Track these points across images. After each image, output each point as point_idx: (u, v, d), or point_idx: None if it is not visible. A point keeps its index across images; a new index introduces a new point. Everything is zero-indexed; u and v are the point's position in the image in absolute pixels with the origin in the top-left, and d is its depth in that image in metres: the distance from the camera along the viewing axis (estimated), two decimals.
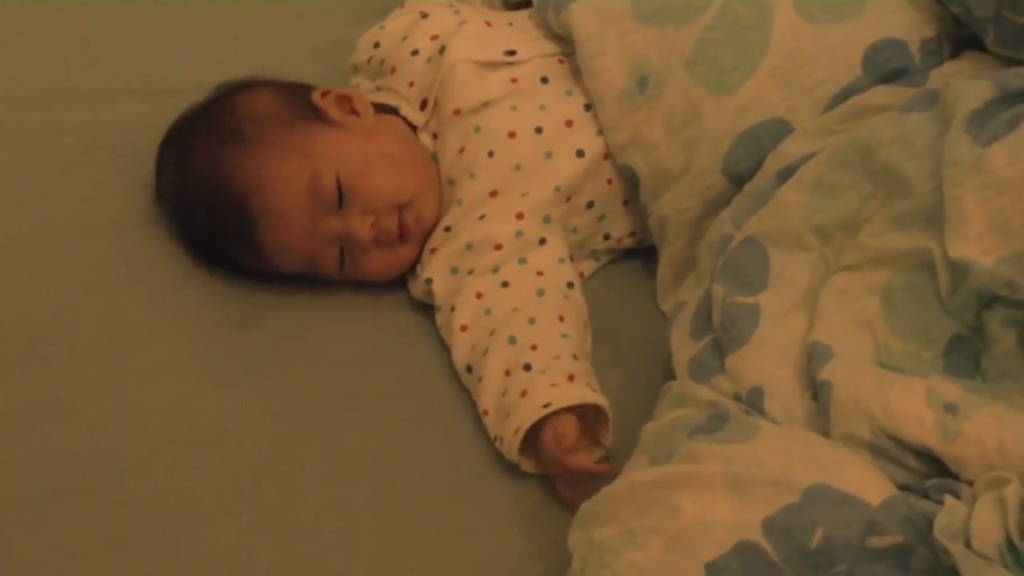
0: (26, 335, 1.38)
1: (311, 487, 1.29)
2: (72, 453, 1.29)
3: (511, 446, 1.29)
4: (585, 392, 1.29)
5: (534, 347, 1.33)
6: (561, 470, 1.28)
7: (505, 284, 1.39)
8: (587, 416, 1.30)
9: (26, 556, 1.22)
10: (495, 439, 1.32)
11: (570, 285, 1.41)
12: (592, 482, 1.22)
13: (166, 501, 1.27)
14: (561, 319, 1.36)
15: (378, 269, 1.45)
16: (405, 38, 1.51)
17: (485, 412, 1.33)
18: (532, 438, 1.29)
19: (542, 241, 1.42)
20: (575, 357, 1.33)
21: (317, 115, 1.45)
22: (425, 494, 1.30)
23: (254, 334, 1.42)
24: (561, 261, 1.42)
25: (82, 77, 1.66)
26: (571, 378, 1.30)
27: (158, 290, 1.45)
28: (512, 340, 1.34)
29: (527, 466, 1.31)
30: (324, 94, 1.48)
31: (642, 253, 1.50)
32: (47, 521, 1.24)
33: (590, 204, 1.45)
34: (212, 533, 1.25)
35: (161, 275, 1.46)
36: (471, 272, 1.41)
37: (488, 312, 1.38)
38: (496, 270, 1.40)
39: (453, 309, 1.40)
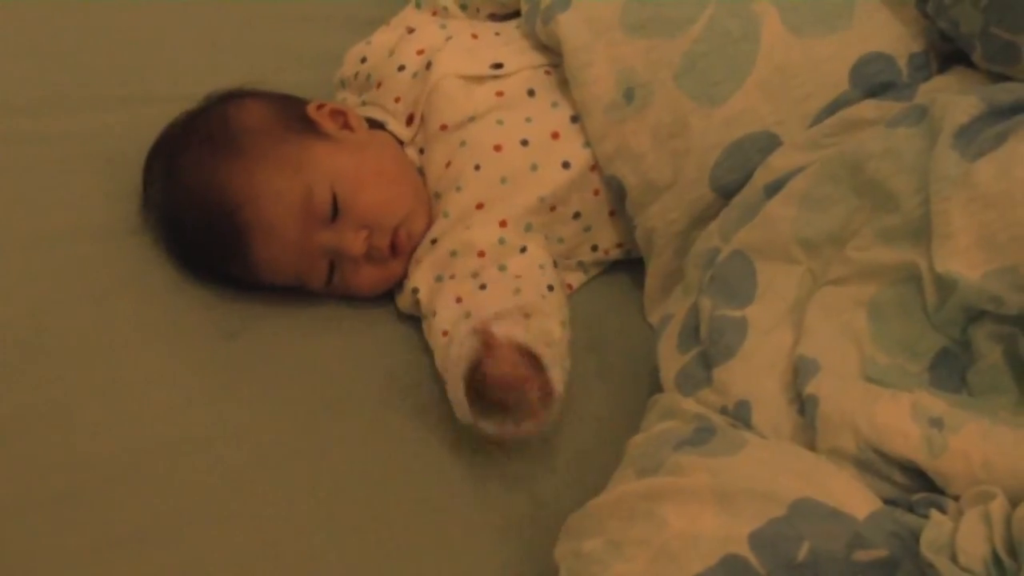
0: (14, 341, 1.37)
1: (298, 496, 1.29)
2: (60, 460, 1.29)
3: (458, 398, 1.26)
4: (519, 332, 1.26)
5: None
6: (499, 387, 1.24)
7: (483, 287, 1.38)
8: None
9: (18, 560, 1.22)
10: (454, 406, 1.28)
11: (550, 287, 1.40)
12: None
13: (152, 509, 1.26)
14: (527, 316, 1.33)
15: (367, 284, 1.45)
16: (392, 53, 1.52)
17: (444, 381, 1.31)
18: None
19: (523, 249, 1.42)
20: (526, 315, 1.31)
21: (310, 128, 1.45)
22: (412, 504, 1.30)
23: (242, 342, 1.42)
24: (542, 267, 1.41)
25: (72, 84, 1.65)
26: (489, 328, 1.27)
27: (147, 297, 1.44)
28: (474, 332, 1.31)
29: (483, 426, 1.27)
30: (319, 107, 1.48)
31: (630, 265, 1.50)
32: (35, 527, 1.24)
33: (576, 215, 1.45)
34: (200, 539, 1.25)
35: (150, 282, 1.45)
36: (452, 277, 1.41)
37: (468, 316, 1.37)
38: (475, 275, 1.40)
39: (435, 314, 1.40)
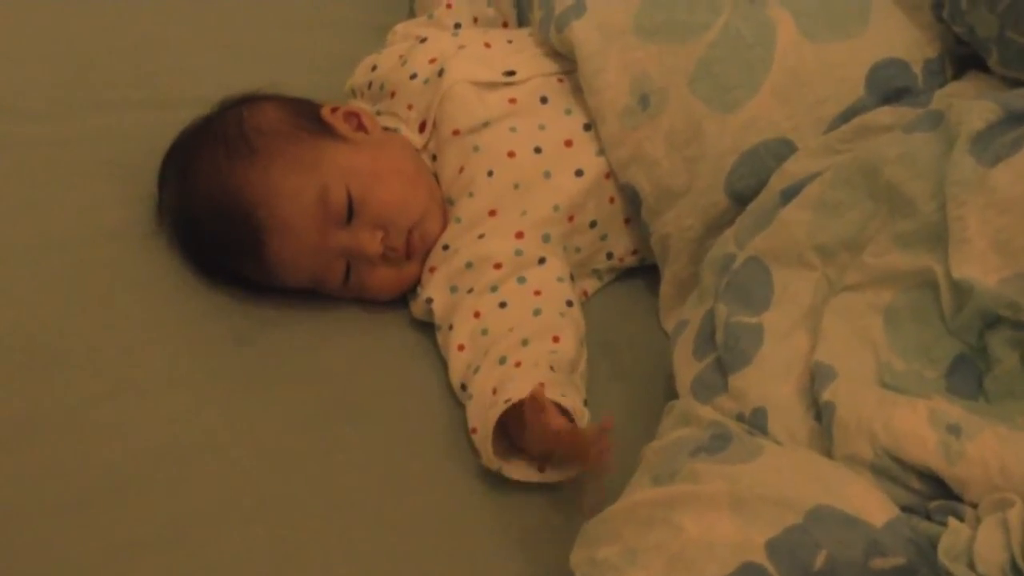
0: (25, 346, 1.37)
1: (309, 503, 1.29)
2: (70, 465, 1.28)
3: (485, 449, 1.27)
4: (549, 392, 1.27)
5: (518, 364, 1.32)
6: (548, 442, 1.25)
7: (503, 304, 1.39)
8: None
9: (31, 566, 1.21)
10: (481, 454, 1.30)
11: (569, 303, 1.40)
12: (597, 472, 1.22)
13: (165, 514, 1.26)
14: (555, 339, 1.35)
15: (382, 285, 1.45)
16: (404, 62, 1.52)
17: (474, 430, 1.32)
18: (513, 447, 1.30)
19: (541, 260, 1.41)
20: (552, 368, 1.32)
21: (325, 130, 1.45)
22: (424, 512, 1.29)
23: (254, 348, 1.42)
24: (560, 280, 1.41)
25: (85, 88, 1.66)
26: (541, 385, 1.28)
27: (158, 302, 1.44)
28: (502, 360, 1.34)
29: (506, 470, 1.29)
30: (333, 110, 1.49)
31: (644, 271, 1.50)
32: (49, 533, 1.23)
33: (593, 223, 1.45)
34: (210, 547, 1.24)
35: (162, 287, 1.45)
36: (470, 291, 1.40)
37: (485, 332, 1.37)
38: (495, 289, 1.40)
39: (451, 327, 1.40)
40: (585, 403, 1.32)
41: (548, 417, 1.23)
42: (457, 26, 1.60)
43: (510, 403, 1.26)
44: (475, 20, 1.63)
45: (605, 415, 1.21)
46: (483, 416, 1.30)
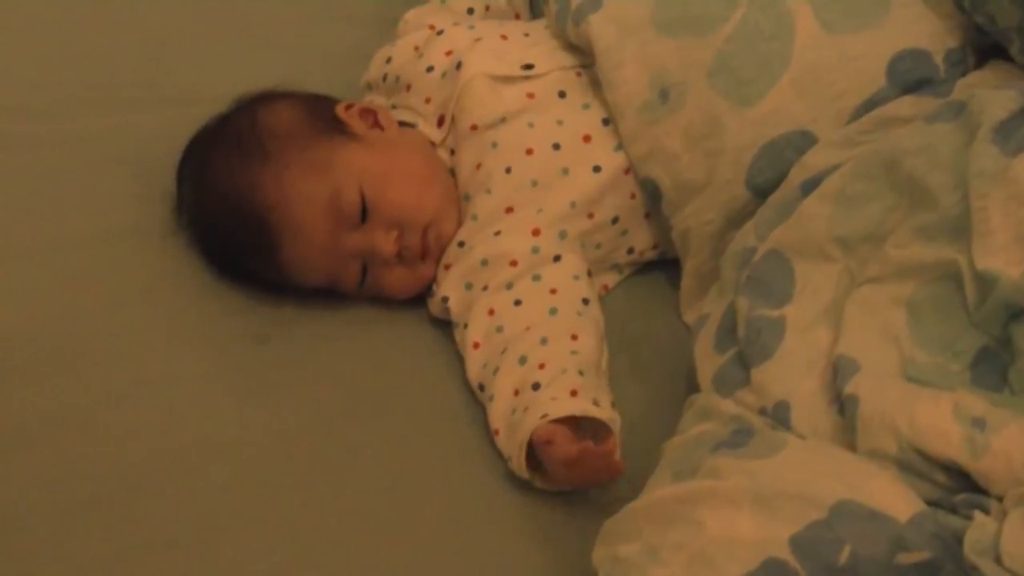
0: (42, 346, 1.37)
1: (327, 500, 1.28)
2: (89, 465, 1.28)
3: (518, 462, 1.28)
4: (585, 406, 1.28)
5: (542, 366, 1.32)
6: (562, 472, 1.26)
7: (518, 302, 1.38)
8: (594, 433, 1.28)
9: (43, 569, 1.21)
10: (507, 458, 1.30)
11: (585, 301, 1.39)
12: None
13: (182, 513, 1.26)
14: (574, 337, 1.35)
15: (399, 285, 1.44)
16: (420, 55, 1.52)
17: (496, 432, 1.32)
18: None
19: (557, 258, 1.41)
20: (581, 373, 1.32)
21: (340, 128, 1.45)
22: (442, 510, 1.29)
23: (272, 346, 1.42)
24: (576, 278, 1.40)
25: (98, 86, 1.66)
26: (574, 393, 1.29)
27: (176, 301, 1.44)
28: (522, 360, 1.33)
29: (539, 482, 1.29)
30: (348, 107, 1.48)
31: (665, 265, 1.49)
32: (63, 534, 1.23)
33: (615, 220, 1.44)
34: (228, 546, 1.24)
35: (179, 286, 1.45)
36: (485, 288, 1.40)
37: (500, 330, 1.37)
38: (510, 286, 1.39)
39: (467, 325, 1.40)
40: (612, 405, 1.32)
41: (556, 448, 1.24)
42: (470, 11, 1.59)
43: (547, 419, 1.26)
44: (487, 9, 1.62)
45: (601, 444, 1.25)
46: (508, 421, 1.31)
